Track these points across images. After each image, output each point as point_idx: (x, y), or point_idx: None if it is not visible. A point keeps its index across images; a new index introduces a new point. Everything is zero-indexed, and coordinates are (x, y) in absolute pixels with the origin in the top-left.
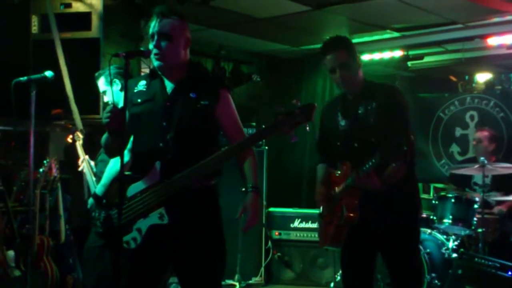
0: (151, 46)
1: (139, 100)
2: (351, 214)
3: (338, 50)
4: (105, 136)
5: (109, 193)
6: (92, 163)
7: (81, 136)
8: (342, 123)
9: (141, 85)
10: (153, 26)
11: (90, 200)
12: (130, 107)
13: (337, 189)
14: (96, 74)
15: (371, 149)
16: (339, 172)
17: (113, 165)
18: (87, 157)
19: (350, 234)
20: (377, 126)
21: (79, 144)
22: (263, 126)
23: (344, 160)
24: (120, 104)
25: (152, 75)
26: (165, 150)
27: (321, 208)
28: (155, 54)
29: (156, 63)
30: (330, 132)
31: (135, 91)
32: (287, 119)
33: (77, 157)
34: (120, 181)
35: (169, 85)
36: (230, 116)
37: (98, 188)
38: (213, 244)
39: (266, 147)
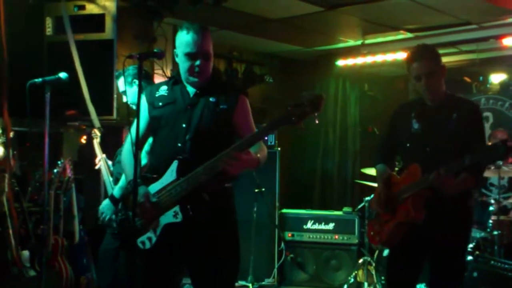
0: (187, 64)
1: (160, 104)
2: (418, 214)
3: (425, 59)
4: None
5: (129, 194)
6: (110, 162)
7: (98, 134)
8: (416, 126)
9: (163, 90)
10: (189, 43)
11: (105, 202)
12: (151, 110)
13: (403, 188)
14: (117, 73)
15: (443, 155)
16: (396, 170)
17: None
18: (104, 156)
19: (404, 236)
20: (454, 137)
21: (96, 142)
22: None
23: (412, 162)
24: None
25: (174, 81)
26: (183, 150)
27: (376, 207)
28: (197, 73)
29: (194, 80)
30: (400, 134)
31: (157, 95)
32: (296, 110)
33: (94, 155)
34: (133, 189)
35: (191, 91)
36: (247, 122)
37: (116, 190)
38: (227, 245)
39: (279, 149)
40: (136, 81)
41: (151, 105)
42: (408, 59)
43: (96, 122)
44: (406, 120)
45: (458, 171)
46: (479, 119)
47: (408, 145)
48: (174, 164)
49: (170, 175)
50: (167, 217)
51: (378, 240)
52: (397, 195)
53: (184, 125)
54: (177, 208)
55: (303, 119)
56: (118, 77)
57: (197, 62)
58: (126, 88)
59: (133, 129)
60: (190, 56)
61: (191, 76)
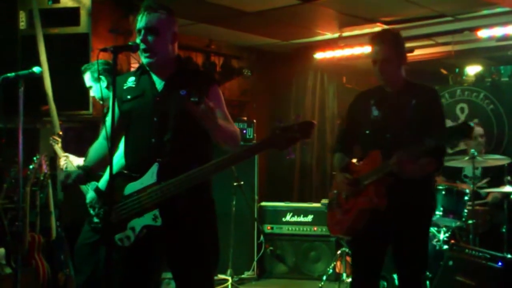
0: (138, 40)
1: (128, 97)
2: (381, 200)
3: (383, 43)
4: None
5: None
6: (80, 160)
7: (59, 139)
8: (376, 112)
9: (130, 81)
10: (140, 20)
11: (90, 195)
12: (120, 104)
13: (364, 175)
14: (82, 68)
15: (403, 141)
16: (355, 160)
17: (116, 161)
18: (67, 154)
19: (366, 225)
20: (413, 123)
21: (58, 147)
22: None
23: (373, 149)
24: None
25: (141, 71)
26: (163, 152)
27: (336, 196)
28: (143, 49)
29: (144, 58)
30: (360, 120)
31: (125, 87)
32: (284, 134)
33: (57, 157)
34: (110, 184)
35: (158, 81)
36: (219, 112)
37: (101, 183)
38: (206, 237)
39: None
40: (102, 77)
41: (120, 99)
42: (369, 42)
43: (56, 127)
44: (365, 107)
45: (419, 155)
46: (438, 104)
47: (367, 132)
48: (155, 167)
49: (150, 176)
50: (147, 219)
51: (339, 229)
52: (359, 182)
53: (155, 119)
54: (156, 212)
55: (291, 145)
56: (84, 72)
57: (141, 37)
58: (92, 84)
59: (108, 124)
60: (137, 32)
61: (141, 54)
